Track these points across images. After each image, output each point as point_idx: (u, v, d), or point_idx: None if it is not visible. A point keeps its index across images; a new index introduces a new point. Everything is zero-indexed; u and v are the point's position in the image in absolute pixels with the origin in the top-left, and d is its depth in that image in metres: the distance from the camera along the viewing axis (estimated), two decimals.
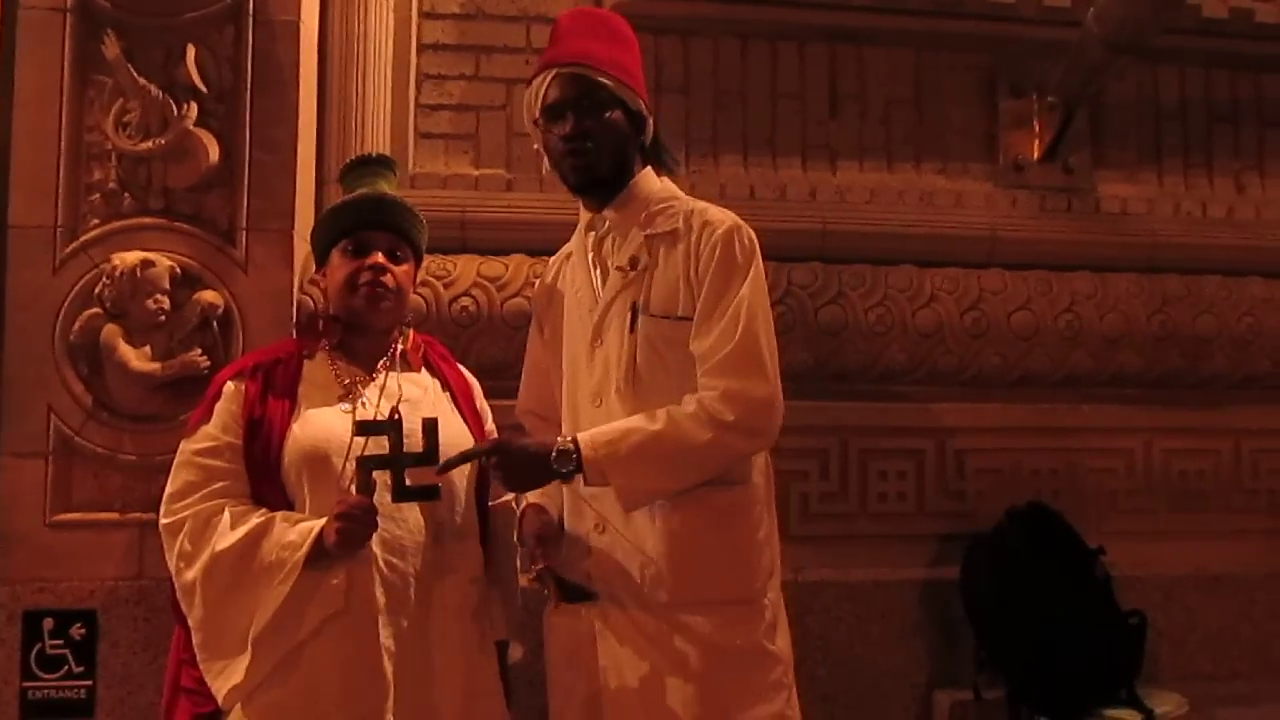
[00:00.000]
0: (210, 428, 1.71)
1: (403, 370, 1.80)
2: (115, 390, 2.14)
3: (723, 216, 1.71)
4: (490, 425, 1.89)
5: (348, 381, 1.75)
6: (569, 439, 1.60)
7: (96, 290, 2.13)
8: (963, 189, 2.62)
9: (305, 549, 1.60)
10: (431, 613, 1.68)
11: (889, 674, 2.35)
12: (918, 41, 2.64)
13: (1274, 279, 2.63)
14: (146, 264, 2.12)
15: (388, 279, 1.76)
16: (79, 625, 2.12)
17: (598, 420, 1.68)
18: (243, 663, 1.61)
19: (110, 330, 2.13)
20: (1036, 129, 2.68)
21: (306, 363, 1.77)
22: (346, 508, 1.59)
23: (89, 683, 2.12)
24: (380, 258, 1.76)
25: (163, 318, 2.12)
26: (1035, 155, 2.67)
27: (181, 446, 1.73)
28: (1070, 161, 2.68)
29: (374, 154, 1.96)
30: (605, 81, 1.70)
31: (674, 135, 2.53)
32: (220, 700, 1.63)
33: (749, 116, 2.58)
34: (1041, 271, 2.53)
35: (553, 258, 1.91)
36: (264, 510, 1.67)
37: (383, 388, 1.74)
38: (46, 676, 2.12)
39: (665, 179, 1.80)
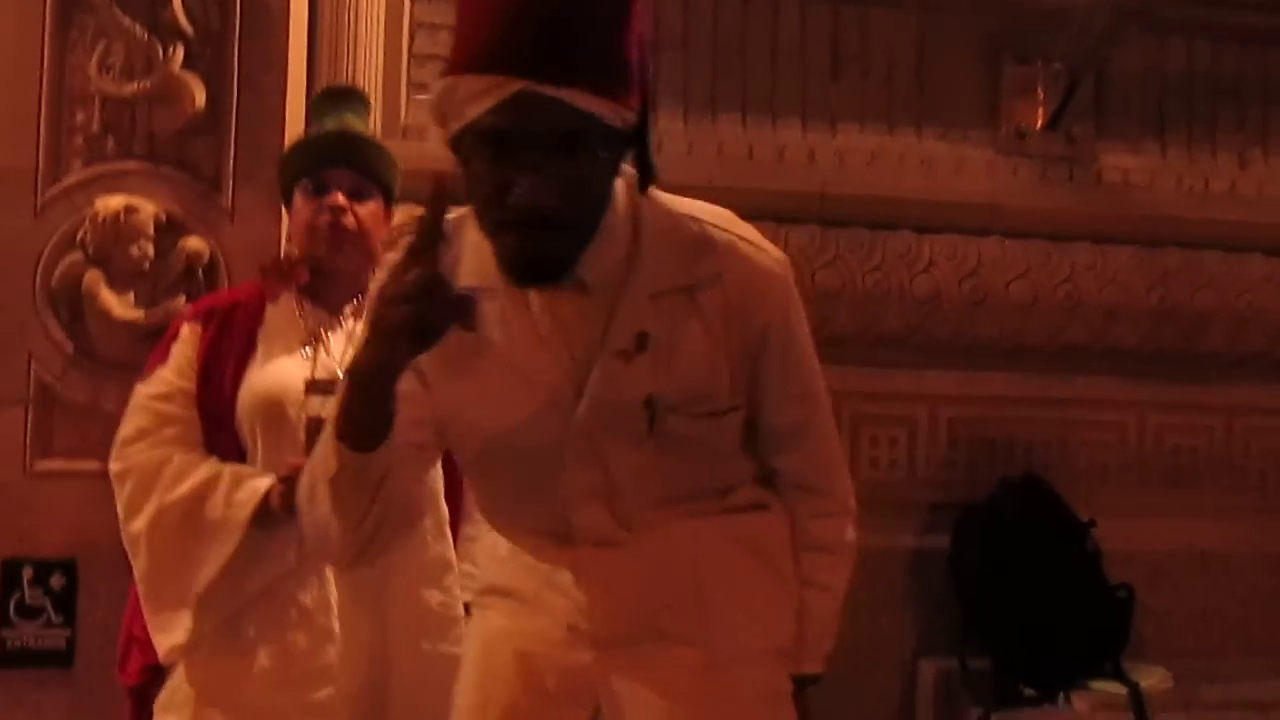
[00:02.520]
0: (165, 371, 1.65)
1: None
2: (97, 338, 2.09)
3: (765, 257, 1.21)
4: None
5: (312, 327, 1.66)
6: (803, 680, 1.30)
7: (78, 236, 2.09)
8: (964, 155, 2.59)
9: (250, 509, 1.55)
10: (390, 574, 1.59)
11: (875, 642, 2.35)
12: (922, 3, 2.59)
13: (1275, 256, 2.60)
14: (130, 210, 2.08)
15: (348, 220, 1.64)
16: (58, 575, 2.09)
17: (597, 514, 1.20)
18: (184, 621, 1.57)
19: (92, 277, 2.08)
20: (1040, 97, 2.64)
21: (270, 307, 1.68)
22: (289, 470, 1.51)
23: (68, 633, 2.10)
24: (340, 198, 1.64)
25: (146, 265, 2.08)
26: (1038, 124, 2.64)
27: (136, 389, 1.67)
28: (1073, 131, 2.65)
29: (343, 85, 1.85)
30: (593, 111, 1.05)
31: (672, 92, 2.48)
32: (161, 656, 1.59)
33: (749, 75, 2.53)
34: (1041, 241, 2.51)
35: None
36: (215, 461, 1.61)
37: (350, 335, 1.65)
38: (25, 625, 2.10)
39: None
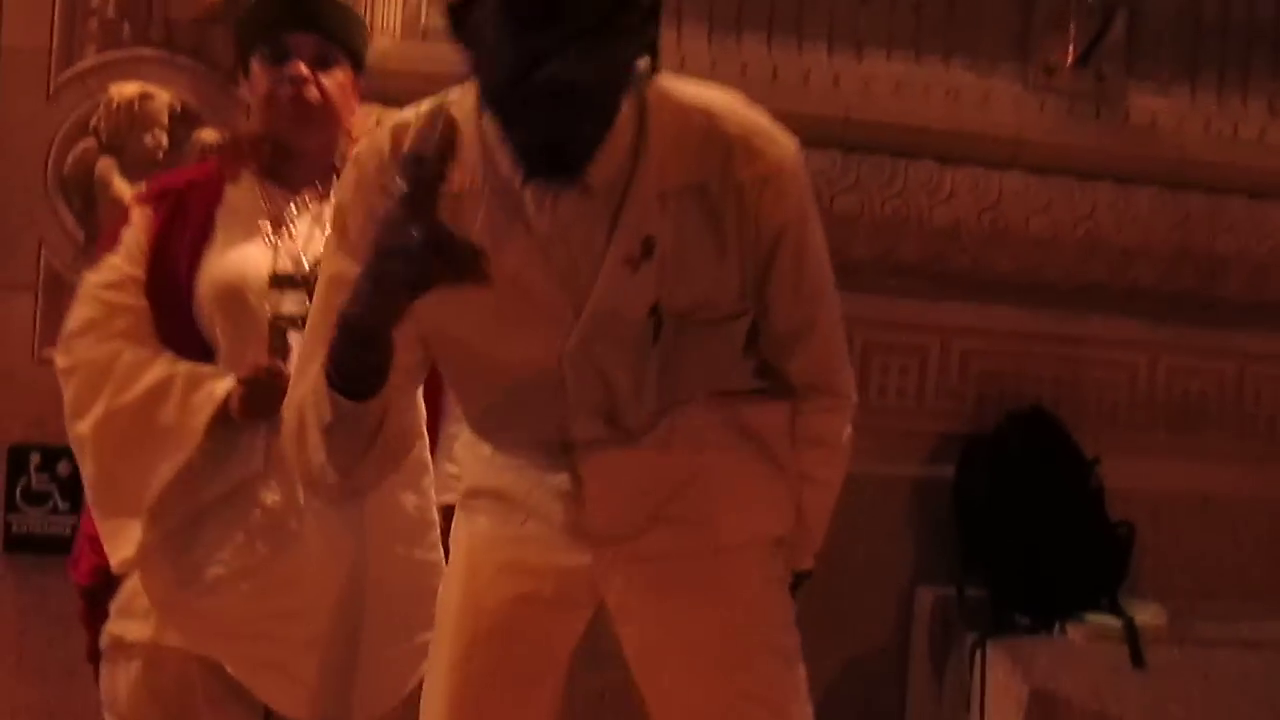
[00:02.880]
0: (114, 258, 1.52)
1: None
2: (109, 227, 2.08)
3: (780, 150, 1.12)
4: None
5: (275, 210, 1.52)
6: (795, 576, 1.29)
7: (91, 122, 2.06)
8: (991, 88, 2.54)
9: (207, 415, 1.44)
10: None
11: (874, 567, 2.36)
12: None
13: None
14: (145, 97, 2.05)
15: (311, 92, 1.48)
16: (65, 462, 2.09)
17: (596, 427, 1.16)
18: (133, 532, 1.48)
19: (105, 164, 2.06)
20: (1072, 33, 2.58)
21: (229, 188, 1.54)
22: (251, 371, 1.42)
23: (74, 519, 2.10)
24: (302, 68, 1.48)
25: (160, 155, 2.06)
26: (1068, 60, 2.59)
27: (84, 277, 1.55)
28: (1103, 69, 2.59)
29: None
30: None
31: (697, 10, 2.43)
32: (113, 567, 1.51)
33: None
34: (1064, 178, 2.47)
35: (393, 151, 1.10)
36: (169, 360, 1.49)
37: (317, 218, 1.51)
38: (31, 511, 2.11)
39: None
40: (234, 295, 1.47)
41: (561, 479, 1.18)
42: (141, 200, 1.57)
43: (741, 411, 1.21)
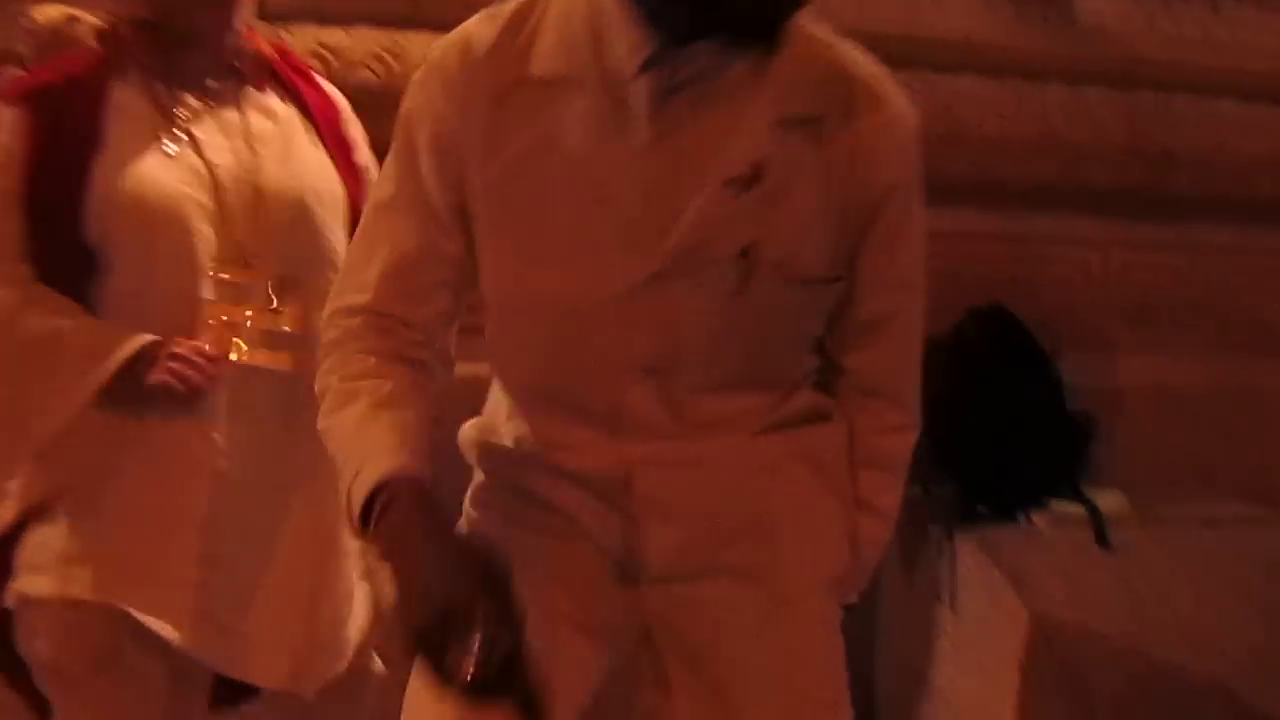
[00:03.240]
0: None
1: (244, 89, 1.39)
2: None
3: (905, 105, 1.08)
4: (363, 159, 1.47)
5: (169, 110, 1.36)
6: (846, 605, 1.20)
7: (17, 48, 1.98)
8: None
9: (92, 390, 1.27)
10: (299, 412, 1.29)
11: None
12: None
13: (1244, 101, 2.61)
14: (71, 20, 1.96)
15: None
16: None
17: (650, 396, 1.05)
18: (8, 498, 1.34)
19: None
20: None
21: (116, 85, 1.37)
22: (188, 349, 1.29)
23: None
24: None
25: None
26: None
27: None
28: None
29: None
30: None
31: None
32: None
33: None
34: (1014, 80, 2.49)
35: (481, 38, 1.02)
36: (53, 306, 1.30)
37: (225, 126, 1.36)
38: None
39: None
40: (137, 209, 1.32)
41: (616, 498, 1.07)
42: (10, 100, 1.38)
43: (805, 439, 1.11)
